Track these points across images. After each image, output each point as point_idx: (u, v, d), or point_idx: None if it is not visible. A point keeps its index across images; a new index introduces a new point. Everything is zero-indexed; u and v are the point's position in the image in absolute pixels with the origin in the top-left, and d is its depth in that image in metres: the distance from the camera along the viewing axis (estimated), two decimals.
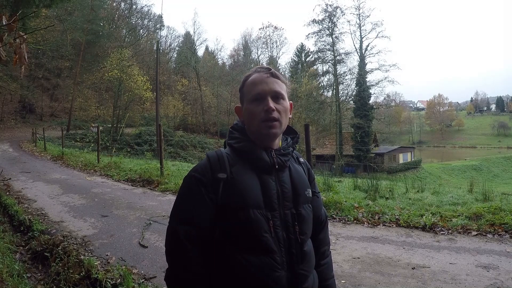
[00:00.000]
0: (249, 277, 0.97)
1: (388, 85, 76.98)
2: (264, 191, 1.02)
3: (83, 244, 3.79)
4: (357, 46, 35.32)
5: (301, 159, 1.21)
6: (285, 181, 1.07)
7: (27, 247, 3.92)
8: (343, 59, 36.10)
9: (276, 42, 56.46)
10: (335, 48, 35.94)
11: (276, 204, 1.02)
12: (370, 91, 34.63)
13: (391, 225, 4.32)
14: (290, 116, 1.14)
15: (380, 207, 4.84)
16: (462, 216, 4.25)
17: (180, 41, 55.54)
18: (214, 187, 1.01)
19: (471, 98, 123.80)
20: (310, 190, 1.13)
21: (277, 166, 1.06)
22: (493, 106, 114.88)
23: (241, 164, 1.05)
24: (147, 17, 47.74)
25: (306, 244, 1.07)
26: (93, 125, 24.91)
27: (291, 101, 1.16)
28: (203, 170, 1.04)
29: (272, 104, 1.05)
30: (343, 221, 4.60)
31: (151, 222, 4.62)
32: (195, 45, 51.08)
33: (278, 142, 1.12)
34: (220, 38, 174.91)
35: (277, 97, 1.07)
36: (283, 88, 1.10)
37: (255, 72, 1.11)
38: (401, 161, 38.80)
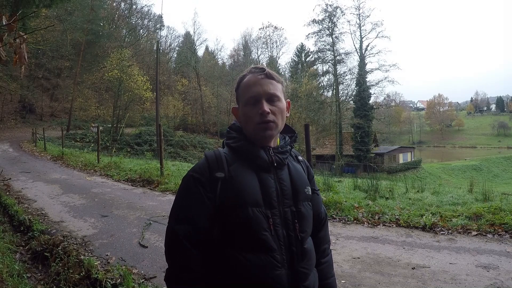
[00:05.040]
0: (249, 276, 0.97)
1: (388, 85, 77.00)
2: (263, 189, 1.02)
3: (83, 244, 3.79)
4: (357, 46, 35.33)
5: (300, 157, 1.21)
6: (284, 179, 1.07)
7: (27, 247, 3.92)
8: (343, 59, 36.07)
9: (276, 42, 56.58)
10: (335, 48, 35.90)
11: (275, 202, 1.02)
12: (370, 91, 34.59)
13: (391, 225, 4.32)
14: (288, 114, 1.14)
15: (380, 207, 4.84)
16: (462, 216, 4.25)
17: (180, 41, 55.65)
18: (212, 187, 1.01)
19: (471, 98, 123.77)
20: (310, 188, 1.13)
21: (275, 164, 1.06)
22: (493, 106, 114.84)
23: (239, 163, 1.05)
24: (147, 17, 47.85)
25: (306, 242, 1.07)
26: (93, 125, 24.86)
27: (288, 99, 1.16)
28: (202, 170, 1.04)
29: (266, 107, 1.05)
30: (343, 221, 4.60)
31: (151, 222, 4.62)
32: (195, 45, 51.07)
33: (275, 141, 1.13)
34: (220, 38, 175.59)
35: (272, 99, 1.07)
36: (278, 89, 1.10)
37: (249, 73, 1.11)
38: (401, 161, 38.80)
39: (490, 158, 46.93)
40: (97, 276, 2.91)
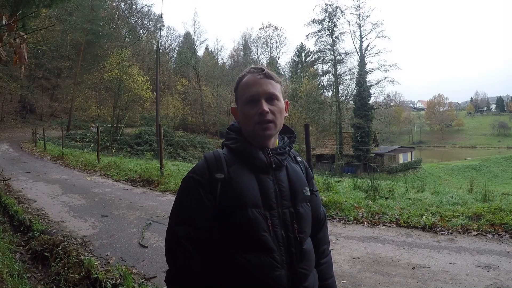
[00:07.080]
0: (249, 277, 0.97)
1: (388, 85, 77.15)
2: (262, 190, 1.03)
3: (83, 244, 3.79)
4: (357, 46, 35.36)
5: (299, 158, 1.21)
6: (283, 180, 1.07)
7: (27, 247, 3.92)
8: (343, 59, 36.13)
9: (276, 42, 56.62)
10: (335, 48, 35.96)
11: (274, 203, 1.03)
12: (370, 91, 34.63)
13: (391, 225, 4.32)
14: (286, 114, 1.14)
15: (380, 207, 4.84)
16: (462, 216, 4.26)
17: (180, 41, 55.65)
18: (212, 188, 1.02)
19: (471, 98, 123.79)
20: (308, 189, 1.13)
21: (274, 165, 1.07)
22: (493, 106, 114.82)
23: (238, 164, 1.05)
24: (147, 17, 47.86)
25: (306, 242, 1.07)
26: (93, 125, 24.84)
27: (286, 100, 1.16)
28: (201, 171, 1.04)
29: (266, 106, 1.05)
30: (343, 221, 4.60)
31: (151, 222, 4.62)
32: (195, 45, 51.07)
33: (274, 142, 1.13)
34: (220, 38, 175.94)
35: (271, 98, 1.08)
36: (277, 89, 1.10)
37: (248, 73, 1.11)
38: (401, 161, 38.81)
39: (490, 158, 46.91)
40: (97, 276, 2.91)
